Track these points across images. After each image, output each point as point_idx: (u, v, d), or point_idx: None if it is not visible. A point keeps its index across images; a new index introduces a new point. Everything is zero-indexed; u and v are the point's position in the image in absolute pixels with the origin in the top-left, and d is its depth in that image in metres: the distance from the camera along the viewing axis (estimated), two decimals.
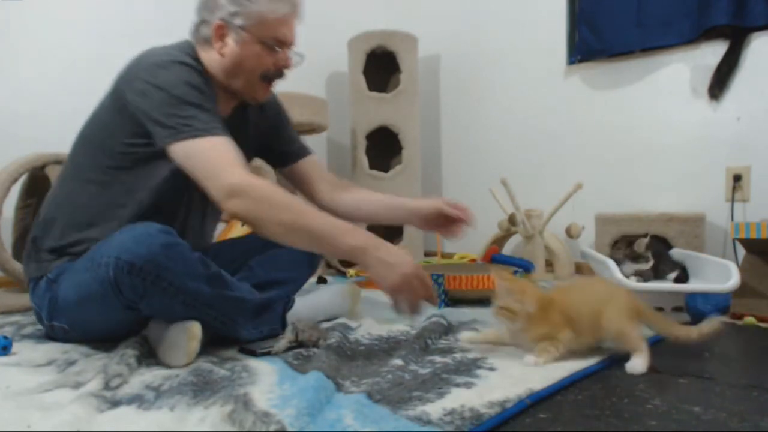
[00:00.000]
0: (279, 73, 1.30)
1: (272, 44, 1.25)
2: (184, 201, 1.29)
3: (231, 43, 1.23)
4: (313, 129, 2.54)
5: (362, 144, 2.69)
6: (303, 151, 1.51)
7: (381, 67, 2.78)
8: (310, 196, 1.48)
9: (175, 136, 1.12)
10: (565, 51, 2.51)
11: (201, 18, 1.26)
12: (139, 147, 1.18)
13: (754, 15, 1.96)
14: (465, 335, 1.25)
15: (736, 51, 2.03)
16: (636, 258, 1.61)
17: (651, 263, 1.60)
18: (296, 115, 2.35)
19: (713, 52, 2.08)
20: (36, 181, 1.94)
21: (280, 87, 2.39)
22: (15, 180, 1.82)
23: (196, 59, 1.25)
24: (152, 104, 1.13)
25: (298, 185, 1.51)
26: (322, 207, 1.40)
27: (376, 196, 1.49)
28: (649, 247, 1.62)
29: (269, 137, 1.47)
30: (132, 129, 1.17)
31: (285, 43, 1.27)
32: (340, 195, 1.47)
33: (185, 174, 1.15)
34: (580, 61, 2.45)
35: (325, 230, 1.09)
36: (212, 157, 1.11)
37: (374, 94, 2.66)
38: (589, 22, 2.37)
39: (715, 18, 2.00)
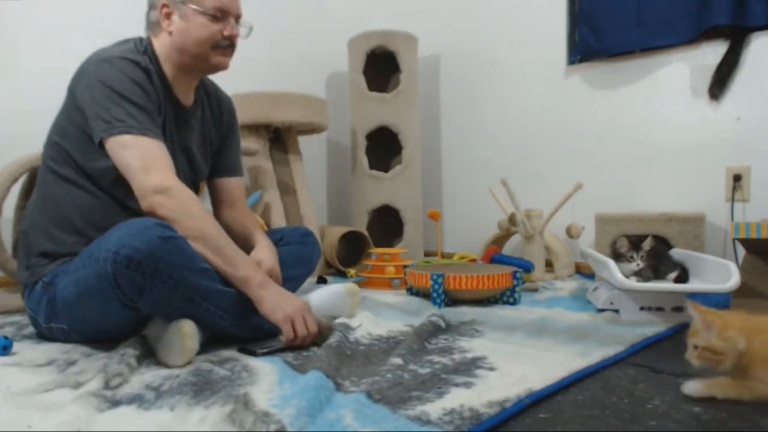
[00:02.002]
0: (229, 43, 1.33)
1: (216, 14, 1.28)
2: None
3: (176, 20, 1.29)
4: (313, 129, 2.54)
5: (362, 144, 2.69)
6: (236, 171, 1.54)
7: (381, 67, 2.78)
8: (217, 213, 1.50)
9: (110, 130, 1.16)
10: (565, 51, 2.51)
11: (149, 3, 1.33)
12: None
13: (754, 15, 1.96)
14: (691, 386, 0.91)
15: (736, 51, 2.02)
16: (618, 257, 1.61)
17: (636, 263, 1.58)
18: (296, 115, 2.36)
19: (713, 52, 2.08)
20: (36, 181, 1.94)
21: (280, 87, 2.41)
22: (15, 180, 1.82)
23: (150, 53, 1.29)
24: (94, 98, 1.18)
25: (214, 199, 1.53)
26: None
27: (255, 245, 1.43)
28: (634, 248, 1.60)
29: (218, 141, 1.49)
30: (84, 123, 1.21)
31: (228, 13, 1.30)
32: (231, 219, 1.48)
33: None
34: (580, 61, 2.45)
35: (232, 253, 1.18)
36: (144, 154, 1.16)
37: (374, 94, 2.66)
38: (589, 22, 2.36)
39: (715, 18, 1.99)
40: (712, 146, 2.11)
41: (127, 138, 1.16)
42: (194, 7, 1.27)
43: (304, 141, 2.68)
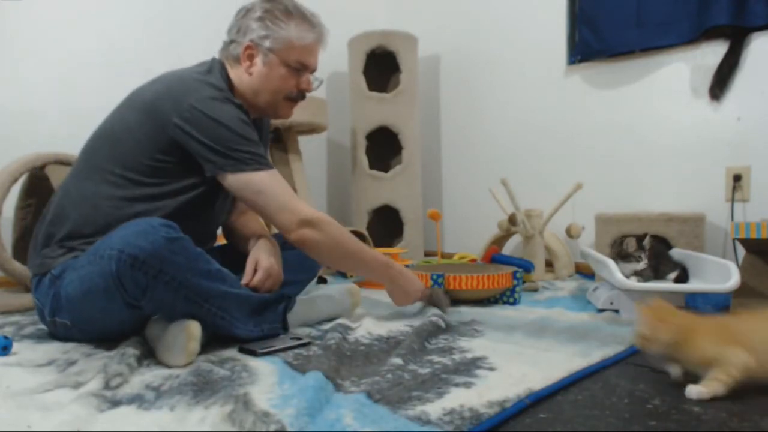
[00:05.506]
0: (301, 95, 1.39)
1: (297, 68, 1.34)
2: (203, 212, 1.33)
3: (259, 64, 1.32)
4: (313, 129, 2.54)
5: (362, 144, 2.69)
6: None
7: (381, 67, 2.78)
8: (228, 217, 1.52)
9: (239, 166, 1.21)
10: (565, 51, 2.51)
11: (231, 38, 1.34)
12: (168, 163, 1.22)
13: (754, 15, 1.96)
14: (695, 390, 0.92)
15: (736, 51, 2.02)
16: (626, 257, 1.61)
17: (643, 263, 1.59)
18: (296, 115, 2.35)
19: (713, 52, 2.08)
20: (36, 181, 1.94)
21: None
22: (15, 180, 1.82)
23: (226, 78, 1.32)
24: (211, 135, 1.20)
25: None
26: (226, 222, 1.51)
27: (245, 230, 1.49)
28: (641, 247, 1.61)
29: None
30: (166, 147, 1.21)
31: (308, 68, 1.37)
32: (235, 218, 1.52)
33: (210, 188, 1.27)
34: (580, 61, 2.45)
35: (375, 264, 1.37)
36: (280, 191, 1.24)
37: (374, 94, 2.66)
38: (589, 22, 2.36)
39: (715, 18, 2.00)
40: (712, 146, 2.11)
41: (256, 175, 1.21)
42: (280, 57, 1.31)
43: (304, 141, 2.68)
